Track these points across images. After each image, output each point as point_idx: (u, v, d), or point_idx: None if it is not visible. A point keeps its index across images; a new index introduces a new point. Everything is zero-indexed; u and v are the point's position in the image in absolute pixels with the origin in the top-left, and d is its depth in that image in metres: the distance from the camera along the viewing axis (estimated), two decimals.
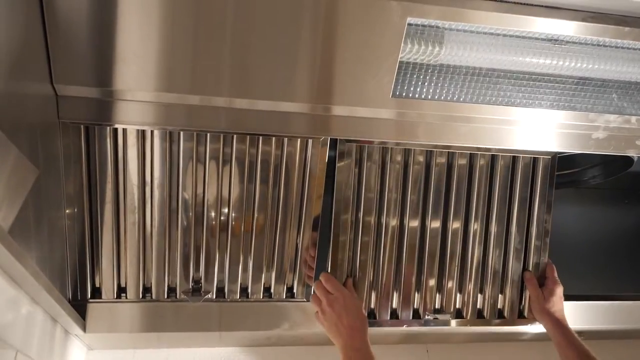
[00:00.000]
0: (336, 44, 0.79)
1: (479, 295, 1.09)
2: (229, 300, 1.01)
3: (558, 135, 0.96)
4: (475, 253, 1.06)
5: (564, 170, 1.40)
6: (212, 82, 0.78)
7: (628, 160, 1.29)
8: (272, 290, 1.03)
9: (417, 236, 1.02)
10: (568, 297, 1.07)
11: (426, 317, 1.05)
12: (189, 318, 1.00)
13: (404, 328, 1.06)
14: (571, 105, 0.93)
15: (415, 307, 1.06)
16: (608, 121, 0.95)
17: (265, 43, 0.76)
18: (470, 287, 1.07)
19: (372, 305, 1.05)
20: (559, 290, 1.04)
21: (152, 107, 0.81)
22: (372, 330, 0.99)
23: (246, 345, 1.18)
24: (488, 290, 1.08)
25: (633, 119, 0.96)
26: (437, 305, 1.07)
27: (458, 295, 1.07)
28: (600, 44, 0.89)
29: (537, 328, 1.10)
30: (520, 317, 1.10)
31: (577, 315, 1.14)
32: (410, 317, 1.05)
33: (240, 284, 1.01)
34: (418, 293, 1.05)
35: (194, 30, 0.73)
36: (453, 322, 1.07)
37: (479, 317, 1.09)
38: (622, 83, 0.93)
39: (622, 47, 0.89)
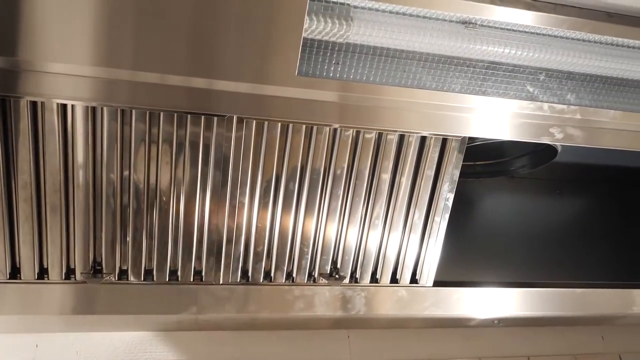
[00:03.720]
0: (235, 17, 0.76)
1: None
2: (149, 282, 0.98)
3: (468, 120, 0.95)
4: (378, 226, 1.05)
5: (493, 159, 1.40)
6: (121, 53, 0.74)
7: (552, 150, 1.31)
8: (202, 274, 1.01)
9: (315, 208, 1.00)
10: (501, 284, 1.08)
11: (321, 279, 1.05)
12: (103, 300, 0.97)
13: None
14: (482, 90, 0.92)
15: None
16: (521, 107, 0.95)
17: (160, 13, 0.73)
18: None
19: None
20: None
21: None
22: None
23: (160, 329, 1.15)
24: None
25: (545, 105, 0.96)
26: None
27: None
28: (511, 28, 0.88)
29: (453, 312, 1.11)
30: (413, 282, 1.10)
31: (508, 302, 1.15)
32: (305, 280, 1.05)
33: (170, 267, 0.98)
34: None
35: None
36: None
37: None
38: (533, 69, 0.93)
39: (533, 33, 0.89)
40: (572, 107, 0.97)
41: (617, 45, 0.92)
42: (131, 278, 0.97)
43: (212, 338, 1.14)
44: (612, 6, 0.87)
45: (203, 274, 0.99)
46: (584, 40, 0.91)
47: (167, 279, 0.99)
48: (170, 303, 1.00)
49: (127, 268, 0.96)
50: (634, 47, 0.93)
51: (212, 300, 1.00)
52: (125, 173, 0.89)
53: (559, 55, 0.90)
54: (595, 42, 0.91)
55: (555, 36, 0.89)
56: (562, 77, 0.95)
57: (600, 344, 1.39)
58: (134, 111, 0.84)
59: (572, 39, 0.90)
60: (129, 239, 0.93)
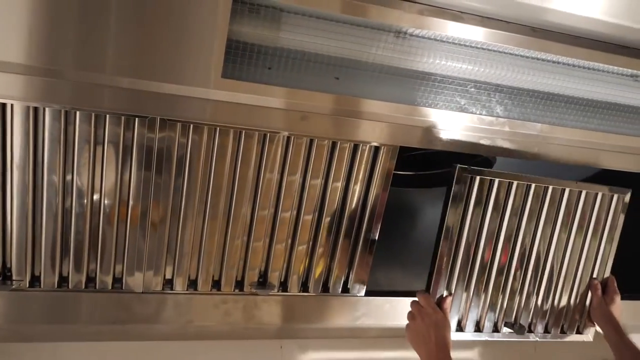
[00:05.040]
0: (158, 16, 0.74)
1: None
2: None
3: (399, 129, 0.95)
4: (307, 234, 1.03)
5: (432, 169, 1.41)
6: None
7: (488, 161, 1.33)
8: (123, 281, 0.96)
9: (245, 217, 0.98)
10: None
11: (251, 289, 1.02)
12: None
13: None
14: (412, 100, 0.92)
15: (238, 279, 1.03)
16: (451, 118, 0.96)
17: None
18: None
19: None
20: (619, 299, 1.16)
21: None
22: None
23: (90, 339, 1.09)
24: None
25: (475, 117, 0.97)
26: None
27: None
28: (440, 39, 0.89)
29: (385, 322, 1.11)
30: (345, 291, 1.09)
31: None
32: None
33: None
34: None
35: None
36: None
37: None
38: (462, 81, 0.94)
39: (462, 45, 0.90)
40: (501, 119, 0.99)
41: (542, 59, 0.94)
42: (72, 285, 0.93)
43: (137, 349, 1.09)
44: (536, 21, 0.89)
45: (124, 281, 0.95)
46: (510, 54, 0.92)
47: (110, 287, 0.95)
48: (104, 312, 0.96)
49: (68, 274, 0.92)
50: (557, 62, 0.95)
51: (141, 309, 0.96)
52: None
53: (487, 67, 0.92)
54: (521, 55, 0.93)
55: (483, 49, 0.91)
56: (490, 90, 0.96)
57: (532, 354, 1.42)
58: (47, 109, 0.80)
59: (499, 52, 0.92)
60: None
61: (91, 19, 0.73)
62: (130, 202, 0.90)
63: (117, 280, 0.95)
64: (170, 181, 0.90)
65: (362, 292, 1.10)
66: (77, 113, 0.82)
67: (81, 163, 0.85)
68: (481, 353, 1.35)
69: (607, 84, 1.02)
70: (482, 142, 1.02)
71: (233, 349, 1.16)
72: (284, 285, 1.06)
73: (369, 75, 0.91)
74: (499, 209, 1.10)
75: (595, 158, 1.12)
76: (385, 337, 1.23)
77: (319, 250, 1.04)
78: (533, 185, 1.10)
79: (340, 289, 1.09)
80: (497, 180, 1.08)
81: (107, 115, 0.83)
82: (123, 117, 0.83)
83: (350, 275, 1.09)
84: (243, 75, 0.83)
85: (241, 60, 0.82)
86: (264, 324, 1.05)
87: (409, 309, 1.04)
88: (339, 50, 0.87)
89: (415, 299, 1.05)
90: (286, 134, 0.91)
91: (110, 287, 0.94)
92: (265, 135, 0.91)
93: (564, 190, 1.13)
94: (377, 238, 1.06)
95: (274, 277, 1.03)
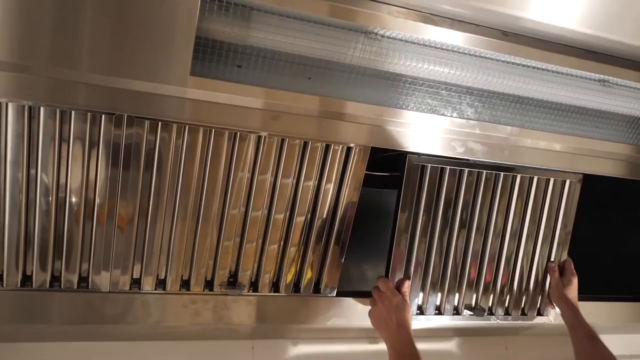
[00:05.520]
0: (127, 14, 0.73)
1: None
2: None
3: (371, 130, 0.95)
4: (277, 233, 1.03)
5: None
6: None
7: None
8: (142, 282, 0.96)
9: (213, 216, 0.97)
10: None
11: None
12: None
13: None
14: (383, 101, 0.93)
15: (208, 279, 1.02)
16: (422, 120, 0.96)
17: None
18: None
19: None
20: (575, 280, 1.20)
21: None
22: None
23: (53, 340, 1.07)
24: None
25: (446, 119, 0.98)
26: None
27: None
28: (411, 40, 0.89)
29: (356, 322, 1.11)
30: (316, 292, 1.09)
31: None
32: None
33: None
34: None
35: None
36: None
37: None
38: (433, 82, 0.94)
39: (432, 46, 0.90)
40: (472, 121, 1.00)
41: (512, 63, 0.95)
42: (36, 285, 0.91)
43: (105, 349, 1.08)
44: (507, 25, 0.89)
45: (90, 280, 0.93)
46: (481, 57, 0.93)
47: (76, 286, 0.93)
48: (70, 312, 0.94)
49: (32, 273, 0.90)
50: (527, 66, 0.96)
51: (108, 309, 0.94)
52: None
53: (458, 69, 0.92)
54: (491, 59, 0.94)
55: (454, 51, 0.91)
56: (461, 92, 0.97)
57: (504, 354, 1.43)
58: (10, 104, 0.79)
59: (470, 54, 0.92)
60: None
61: (59, 15, 0.71)
62: (97, 200, 0.88)
63: (83, 280, 0.93)
64: (139, 179, 0.88)
65: (334, 293, 1.10)
66: (42, 109, 0.80)
67: (46, 159, 0.83)
68: (452, 353, 1.36)
69: (577, 89, 1.03)
70: (454, 144, 1.03)
71: (203, 350, 1.15)
72: (254, 286, 1.05)
73: (341, 75, 0.91)
74: (452, 195, 1.10)
75: (567, 162, 1.14)
76: (357, 337, 1.23)
77: (290, 250, 1.04)
78: (484, 173, 1.10)
79: (311, 290, 1.09)
80: (448, 168, 1.08)
81: (73, 112, 0.81)
82: (89, 114, 0.82)
83: (322, 275, 1.08)
84: (212, 73, 0.82)
85: (210, 58, 0.81)
86: (234, 324, 1.04)
87: None
88: (311, 50, 0.86)
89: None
90: (257, 133, 0.90)
91: (76, 287, 0.93)
92: (235, 134, 0.90)
93: (515, 176, 1.14)
94: (349, 238, 1.06)
95: (245, 277, 1.03)
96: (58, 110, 0.81)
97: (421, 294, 1.16)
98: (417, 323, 1.17)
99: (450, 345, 1.34)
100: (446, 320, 1.19)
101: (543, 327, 1.33)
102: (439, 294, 1.17)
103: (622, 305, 1.44)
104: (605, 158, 1.16)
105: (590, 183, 1.20)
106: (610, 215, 1.42)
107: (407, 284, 1.09)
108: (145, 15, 0.74)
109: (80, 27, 0.73)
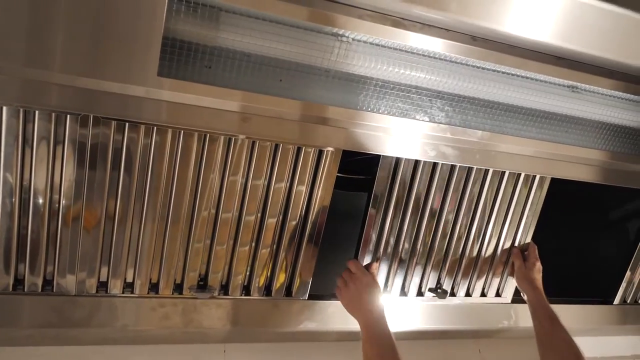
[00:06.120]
0: (93, 13, 0.72)
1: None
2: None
3: (342, 133, 0.95)
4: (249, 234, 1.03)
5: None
6: None
7: None
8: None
9: (182, 217, 0.96)
10: None
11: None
12: None
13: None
14: (355, 104, 0.93)
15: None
16: (393, 123, 0.96)
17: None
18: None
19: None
20: (539, 264, 1.22)
21: None
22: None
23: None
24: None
25: (417, 123, 0.98)
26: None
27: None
28: (381, 44, 0.89)
29: (328, 325, 1.10)
30: (288, 295, 1.09)
31: None
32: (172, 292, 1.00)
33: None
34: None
35: None
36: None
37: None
38: (404, 86, 0.94)
39: (402, 50, 0.91)
40: (443, 125, 1.00)
41: (482, 68, 0.96)
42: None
43: (71, 353, 1.06)
44: (476, 30, 0.90)
45: (55, 283, 0.92)
46: (451, 61, 0.94)
47: (41, 289, 0.91)
48: (34, 315, 0.92)
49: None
50: (497, 71, 0.97)
51: (74, 312, 0.93)
52: None
53: (428, 74, 0.93)
54: (461, 63, 0.95)
55: (424, 55, 0.92)
56: (432, 96, 0.97)
57: (477, 357, 1.44)
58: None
59: (440, 59, 0.93)
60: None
61: (29, 16, 0.70)
62: (63, 201, 0.87)
63: (48, 283, 0.92)
64: (105, 180, 0.87)
65: (306, 296, 1.10)
66: (4, 108, 0.79)
67: (8, 159, 0.82)
68: (425, 356, 1.36)
69: (547, 94, 1.04)
70: (426, 148, 1.04)
71: (174, 354, 1.14)
72: (225, 289, 1.04)
73: (312, 78, 0.91)
74: (425, 186, 1.10)
75: (538, 166, 1.15)
76: (329, 340, 1.23)
77: (262, 252, 1.03)
78: (457, 165, 1.10)
79: (283, 292, 1.08)
80: (422, 161, 1.07)
81: (37, 111, 0.80)
82: (53, 114, 0.80)
83: (294, 278, 1.08)
84: (181, 74, 0.81)
85: (178, 58, 0.80)
86: (204, 327, 1.03)
87: None
88: (282, 52, 0.86)
89: None
90: (227, 135, 0.90)
91: (40, 290, 0.91)
92: (205, 136, 0.90)
93: (487, 170, 1.13)
94: (321, 240, 1.06)
95: (215, 280, 1.02)
96: (22, 110, 0.79)
97: (387, 276, 1.17)
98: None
99: (423, 349, 1.34)
100: (409, 300, 1.21)
101: (517, 331, 1.34)
102: (404, 276, 1.18)
103: (593, 308, 1.46)
104: (575, 163, 1.18)
105: (562, 188, 1.22)
106: (581, 220, 1.43)
107: (375, 264, 1.11)
108: (113, 15, 0.73)
109: (50, 28, 0.72)
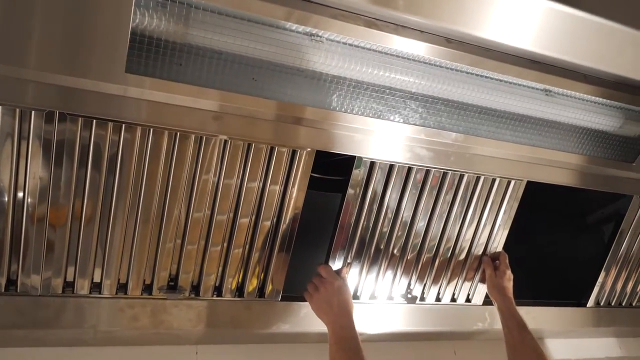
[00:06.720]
0: (60, 8, 0.70)
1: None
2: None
3: (316, 133, 0.95)
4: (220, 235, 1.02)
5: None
6: None
7: None
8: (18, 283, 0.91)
9: (152, 216, 0.95)
10: None
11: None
12: None
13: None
14: (328, 104, 0.92)
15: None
16: (367, 124, 0.96)
17: None
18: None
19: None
20: (509, 272, 1.23)
21: None
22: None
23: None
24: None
25: (391, 124, 0.98)
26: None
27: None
28: (354, 44, 0.89)
29: (301, 327, 1.10)
30: (261, 296, 1.09)
31: (359, 317, 1.14)
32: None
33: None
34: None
35: None
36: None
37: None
38: (377, 87, 0.94)
39: (376, 51, 0.90)
40: (417, 127, 1.00)
41: (456, 70, 0.96)
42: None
43: (35, 355, 1.03)
44: (451, 32, 0.90)
45: (19, 282, 0.89)
46: (425, 63, 0.94)
47: (4, 289, 0.90)
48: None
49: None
50: (471, 73, 0.97)
51: (39, 313, 0.91)
52: None
53: (402, 75, 0.93)
54: (435, 65, 0.94)
55: (398, 56, 0.91)
56: (406, 97, 0.97)
57: (452, 358, 1.44)
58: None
59: (414, 60, 0.92)
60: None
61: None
62: (29, 199, 0.85)
63: (11, 283, 0.90)
64: (72, 178, 0.85)
65: (279, 297, 1.09)
66: None
67: None
68: (400, 357, 1.36)
69: (521, 97, 1.05)
70: (400, 149, 1.03)
71: (145, 355, 1.12)
72: (196, 290, 1.03)
73: (286, 77, 0.90)
74: (399, 189, 1.10)
75: (512, 169, 1.15)
76: (306, 342, 1.22)
77: (234, 252, 1.02)
78: (432, 170, 1.10)
79: (256, 294, 1.07)
80: (397, 165, 1.06)
81: (0, 107, 0.78)
82: (18, 110, 0.78)
83: (267, 279, 1.07)
84: (150, 71, 0.80)
85: (147, 55, 0.79)
86: (174, 329, 1.02)
87: None
88: (255, 50, 0.85)
89: None
90: (198, 133, 0.89)
91: (3, 290, 0.89)
92: (176, 134, 0.88)
93: (462, 175, 1.13)
94: (294, 241, 1.05)
95: (186, 281, 1.00)
96: None
97: (358, 281, 1.17)
98: (365, 328, 1.17)
99: (398, 350, 1.34)
100: (379, 303, 1.21)
101: (492, 332, 1.35)
102: (375, 281, 1.18)
103: (567, 310, 1.48)
104: (550, 166, 1.19)
105: (538, 190, 1.22)
106: (555, 223, 1.45)
107: (346, 269, 1.11)
108: (79, 10, 0.71)
109: (17, 24, 0.70)
